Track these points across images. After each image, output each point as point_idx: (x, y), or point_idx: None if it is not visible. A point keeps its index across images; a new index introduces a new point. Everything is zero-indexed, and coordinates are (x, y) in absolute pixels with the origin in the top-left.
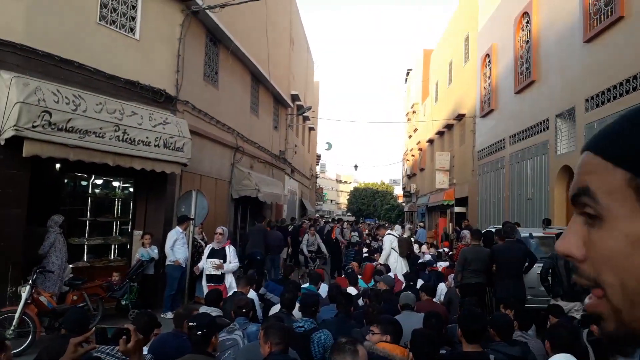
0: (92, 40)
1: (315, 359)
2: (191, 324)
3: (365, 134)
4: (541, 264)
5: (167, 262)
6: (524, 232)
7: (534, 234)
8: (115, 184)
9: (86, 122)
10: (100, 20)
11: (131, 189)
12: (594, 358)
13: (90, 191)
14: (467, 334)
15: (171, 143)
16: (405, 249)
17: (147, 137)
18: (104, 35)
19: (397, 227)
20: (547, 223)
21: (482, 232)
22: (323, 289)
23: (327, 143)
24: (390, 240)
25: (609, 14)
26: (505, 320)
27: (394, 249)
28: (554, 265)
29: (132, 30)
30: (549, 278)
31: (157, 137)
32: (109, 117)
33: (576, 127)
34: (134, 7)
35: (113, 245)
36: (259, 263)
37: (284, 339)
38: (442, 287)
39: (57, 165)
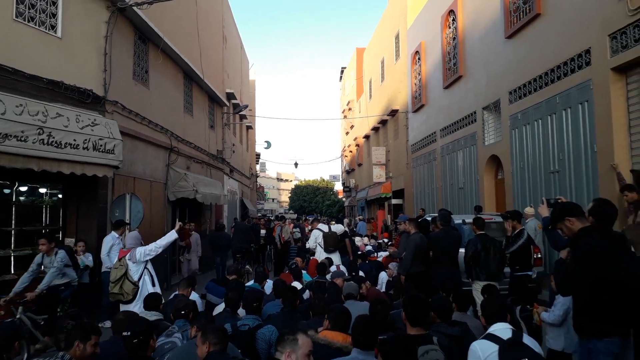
0: (8, 38)
1: (261, 356)
2: (125, 334)
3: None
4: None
5: (104, 269)
6: (457, 219)
7: (467, 221)
8: (42, 190)
9: (5, 125)
10: (17, 16)
11: (60, 195)
12: (526, 331)
13: (14, 199)
14: (411, 317)
15: (101, 145)
16: (330, 244)
17: (74, 140)
18: (22, 32)
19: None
20: (478, 210)
21: (419, 220)
22: (268, 287)
23: (266, 142)
24: (315, 235)
25: (528, 11)
26: (444, 302)
27: (319, 244)
28: (475, 250)
29: (53, 27)
30: (471, 263)
31: (86, 140)
32: (31, 119)
33: (501, 118)
34: (54, 3)
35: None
36: (249, 255)
37: (222, 339)
38: (383, 276)
39: None
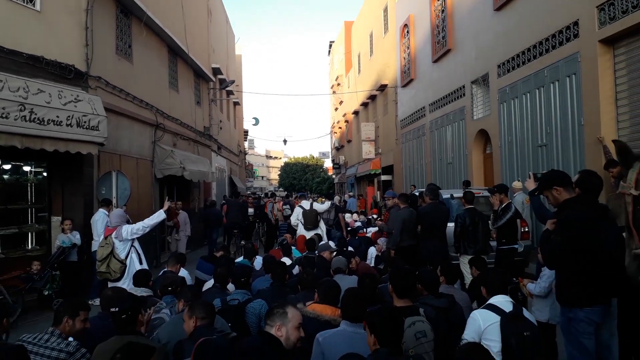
0: None
1: (251, 329)
2: (113, 309)
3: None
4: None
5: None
6: (445, 194)
7: (455, 195)
8: (27, 168)
9: None
10: None
11: (45, 173)
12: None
13: None
14: (397, 289)
15: (85, 122)
16: (309, 221)
17: (57, 117)
18: (0, 6)
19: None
20: (466, 184)
21: (408, 195)
22: (258, 262)
23: (254, 118)
24: (297, 212)
25: None
26: (431, 275)
27: (299, 221)
28: (464, 224)
29: (31, 0)
30: (460, 238)
31: (69, 116)
32: (12, 95)
33: (490, 92)
34: None
35: (30, 234)
36: (245, 230)
37: (210, 314)
38: (372, 251)
39: None
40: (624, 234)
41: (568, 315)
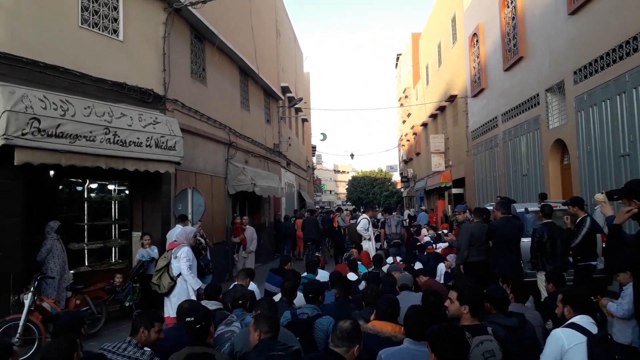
0: (75, 44)
1: (318, 345)
2: (188, 319)
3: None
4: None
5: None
6: (519, 208)
7: (530, 209)
8: (111, 187)
9: (75, 127)
10: (82, 23)
11: (127, 191)
12: None
13: (86, 196)
14: (465, 306)
15: (163, 142)
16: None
17: (138, 138)
18: (87, 38)
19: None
20: (543, 197)
21: (482, 209)
22: (320, 276)
23: (321, 134)
24: (364, 223)
25: None
26: (500, 292)
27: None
28: (541, 240)
29: (115, 31)
30: (538, 253)
31: (148, 137)
32: (98, 120)
33: (566, 100)
34: (115, 9)
35: (113, 248)
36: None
37: (273, 327)
38: (441, 268)
39: (51, 172)
40: None
41: None
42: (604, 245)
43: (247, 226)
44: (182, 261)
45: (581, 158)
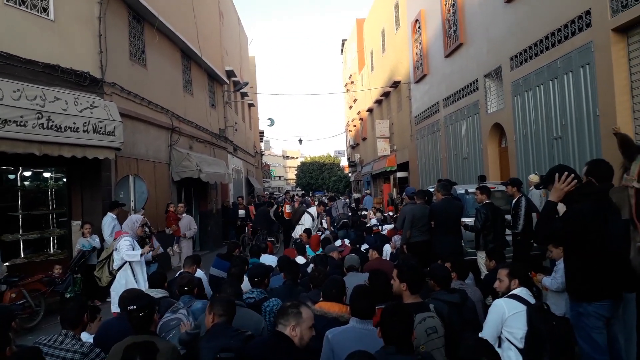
0: (1, 24)
1: (267, 328)
2: (131, 307)
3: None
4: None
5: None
6: (460, 189)
7: (470, 190)
8: (47, 174)
9: (4, 111)
10: (7, 0)
11: (64, 179)
12: None
13: (19, 184)
14: (407, 285)
15: (101, 127)
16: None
17: (74, 123)
18: (14, 16)
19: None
20: (482, 179)
21: (424, 192)
22: (265, 260)
23: (269, 119)
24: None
25: None
26: (442, 270)
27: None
28: (487, 218)
29: (45, 10)
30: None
31: (85, 122)
32: (30, 104)
33: (503, 85)
34: None
35: (51, 238)
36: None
37: (227, 311)
38: (387, 248)
39: None
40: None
41: (577, 310)
42: None
43: (184, 215)
44: (122, 252)
45: (517, 141)
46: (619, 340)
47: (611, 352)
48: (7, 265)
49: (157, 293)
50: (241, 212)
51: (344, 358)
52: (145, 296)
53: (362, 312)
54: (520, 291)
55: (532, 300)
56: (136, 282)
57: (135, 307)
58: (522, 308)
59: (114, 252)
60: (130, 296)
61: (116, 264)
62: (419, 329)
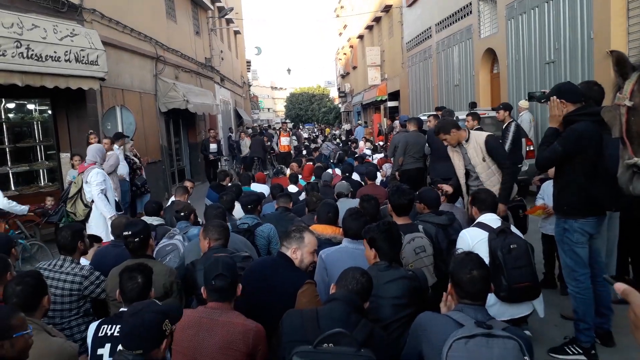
0: None
1: (260, 251)
2: (126, 233)
3: (296, 36)
4: None
5: None
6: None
7: (460, 117)
8: (30, 106)
9: None
10: None
11: (49, 111)
12: (513, 221)
13: (3, 116)
14: (396, 207)
15: (83, 57)
16: None
17: (55, 52)
18: None
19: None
20: (472, 106)
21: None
22: (256, 188)
23: (256, 47)
24: None
25: None
26: (432, 193)
27: None
28: None
29: None
30: None
31: (67, 51)
32: (7, 32)
33: (497, 8)
34: None
35: (41, 171)
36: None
37: (222, 235)
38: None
39: None
40: None
41: (563, 226)
42: (528, 149)
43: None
44: (92, 186)
45: (510, 66)
46: (600, 254)
47: (592, 266)
48: None
49: (154, 221)
50: (213, 146)
51: (339, 274)
52: (140, 221)
53: (354, 233)
54: (485, 217)
55: (497, 225)
56: (119, 209)
57: (130, 232)
58: (485, 235)
59: (84, 184)
60: (125, 222)
61: (89, 197)
62: (407, 248)
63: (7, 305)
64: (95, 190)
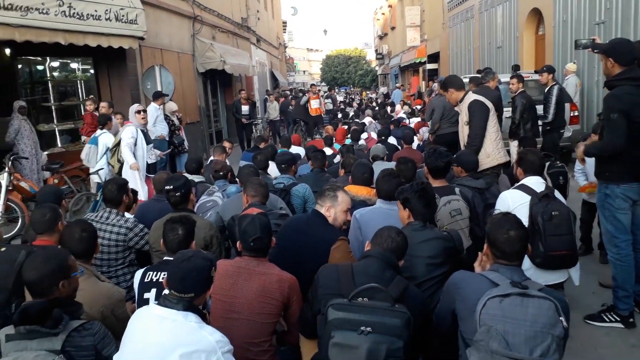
0: None
1: (296, 210)
2: (167, 187)
3: None
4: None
5: (153, 138)
6: None
7: (502, 80)
8: (74, 65)
9: None
10: None
11: (92, 70)
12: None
13: (49, 75)
14: (432, 170)
15: (123, 15)
16: None
17: (95, 11)
18: None
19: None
20: (515, 69)
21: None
22: (294, 150)
23: (292, 8)
24: None
25: None
26: (469, 156)
27: None
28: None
29: None
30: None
31: (107, 10)
32: None
33: None
34: None
35: None
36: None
37: (259, 192)
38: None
39: (7, 51)
40: None
41: (604, 192)
42: (572, 114)
43: (114, 116)
44: (122, 143)
45: (556, 27)
46: None
47: (634, 232)
48: (46, 154)
49: (195, 178)
50: (245, 108)
51: (372, 234)
52: (181, 177)
53: (388, 194)
54: (529, 180)
55: (541, 189)
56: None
57: (172, 186)
58: (527, 199)
59: (121, 140)
60: (167, 177)
61: (123, 152)
62: (443, 210)
63: (61, 248)
64: (123, 143)
